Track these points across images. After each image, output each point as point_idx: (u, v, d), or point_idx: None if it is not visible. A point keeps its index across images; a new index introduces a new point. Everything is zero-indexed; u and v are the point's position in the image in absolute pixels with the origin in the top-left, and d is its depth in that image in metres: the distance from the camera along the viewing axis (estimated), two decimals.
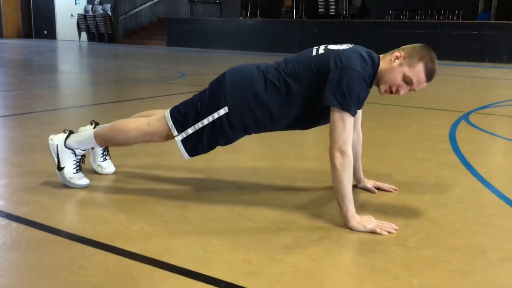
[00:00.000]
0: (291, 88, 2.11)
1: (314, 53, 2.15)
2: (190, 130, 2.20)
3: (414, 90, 2.12)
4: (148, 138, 2.32)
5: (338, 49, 2.10)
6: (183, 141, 2.22)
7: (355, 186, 2.47)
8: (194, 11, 18.94)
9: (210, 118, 2.17)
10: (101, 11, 17.81)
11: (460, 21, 14.10)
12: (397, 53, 2.09)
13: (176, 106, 2.28)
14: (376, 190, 2.45)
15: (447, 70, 9.21)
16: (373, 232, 1.94)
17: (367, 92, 2.16)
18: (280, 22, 15.72)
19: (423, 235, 1.95)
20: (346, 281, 1.61)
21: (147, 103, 5.11)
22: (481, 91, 6.80)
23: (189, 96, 2.30)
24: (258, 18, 17.64)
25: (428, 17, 15.53)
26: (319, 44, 2.23)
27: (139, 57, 11.96)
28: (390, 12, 16.09)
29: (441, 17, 15.30)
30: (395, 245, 1.86)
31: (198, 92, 2.29)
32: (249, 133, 2.29)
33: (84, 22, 18.37)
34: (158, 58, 12.00)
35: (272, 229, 1.99)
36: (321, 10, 17.14)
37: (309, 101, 2.11)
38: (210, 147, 2.26)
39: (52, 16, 19.88)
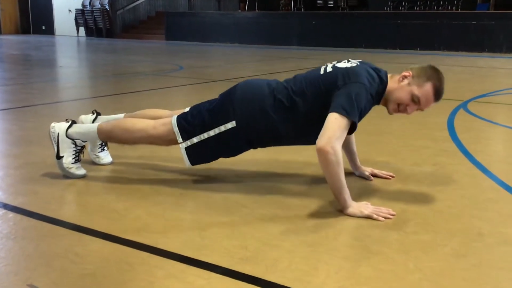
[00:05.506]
0: (298, 106, 2.13)
1: (322, 72, 2.16)
2: (195, 139, 2.22)
3: (421, 109, 2.15)
4: (151, 140, 2.33)
5: (346, 67, 2.11)
6: (187, 148, 2.24)
7: (352, 174, 2.47)
8: (192, 5, 18.89)
9: (216, 130, 2.19)
10: (99, 6, 17.76)
11: (459, 11, 14.05)
12: (405, 73, 2.11)
13: (183, 113, 2.29)
14: (372, 178, 2.45)
15: (446, 60, 9.19)
16: (370, 217, 1.94)
17: (370, 109, 2.16)
18: (279, 15, 15.66)
19: (420, 220, 1.95)
20: (342, 265, 1.61)
21: (145, 96, 5.10)
22: (479, 80, 6.78)
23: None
24: (257, 11, 17.59)
25: (426, 8, 15.47)
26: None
27: (138, 51, 11.94)
28: (389, 3, 16.01)
29: (440, 8, 15.23)
30: (392, 230, 1.86)
31: (206, 102, 2.32)
32: (254, 148, 2.33)
33: (82, 17, 18.33)
34: (157, 52, 11.97)
35: (269, 216, 1.99)
36: (319, 2, 17.12)
37: (317, 119, 2.07)
38: (213, 158, 2.31)
39: (50, 12, 19.85)
